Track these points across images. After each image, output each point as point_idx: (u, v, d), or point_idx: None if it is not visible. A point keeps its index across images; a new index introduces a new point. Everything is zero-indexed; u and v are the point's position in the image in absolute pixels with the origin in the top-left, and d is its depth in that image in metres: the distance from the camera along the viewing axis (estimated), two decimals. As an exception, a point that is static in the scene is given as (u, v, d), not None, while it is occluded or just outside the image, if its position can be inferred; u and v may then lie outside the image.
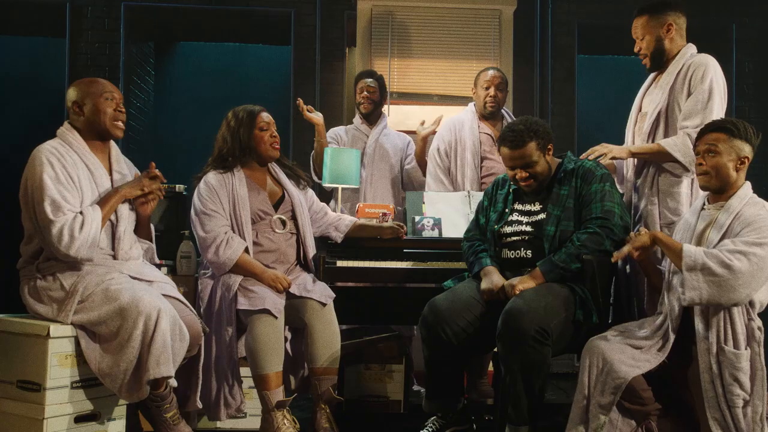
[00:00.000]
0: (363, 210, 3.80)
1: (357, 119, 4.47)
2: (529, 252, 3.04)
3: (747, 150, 2.75)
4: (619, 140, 3.55)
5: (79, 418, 2.68)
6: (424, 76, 5.06)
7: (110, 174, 2.96)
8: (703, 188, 2.83)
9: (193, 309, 2.99)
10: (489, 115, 4.19)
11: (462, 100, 5.03)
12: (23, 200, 2.76)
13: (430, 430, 3.05)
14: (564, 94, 5.31)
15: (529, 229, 3.06)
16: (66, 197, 2.71)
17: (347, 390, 3.52)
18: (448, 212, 3.82)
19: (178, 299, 2.94)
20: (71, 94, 2.89)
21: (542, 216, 3.05)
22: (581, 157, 3.28)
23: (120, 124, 2.94)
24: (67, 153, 2.80)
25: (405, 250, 3.58)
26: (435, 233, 3.73)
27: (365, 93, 4.37)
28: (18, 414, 2.65)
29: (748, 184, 2.79)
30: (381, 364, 3.53)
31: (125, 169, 3.03)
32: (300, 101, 4.20)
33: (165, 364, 2.62)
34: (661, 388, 2.72)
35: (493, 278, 2.98)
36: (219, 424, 3.32)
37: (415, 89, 5.06)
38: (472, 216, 3.77)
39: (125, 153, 5.26)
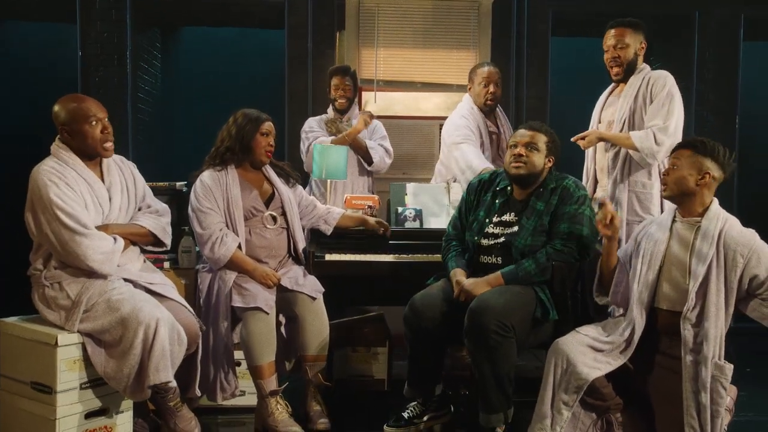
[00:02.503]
0: (350, 201, 3.70)
1: (330, 111, 4.31)
2: (499, 258, 2.98)
3: (711, 167, 2.64)
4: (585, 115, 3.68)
5: (89, 414, 2.65)
6: (408, 65, 4.91)
7: (104, 184, 2.83)
8: (665, 198, 2.76)
9: (191, 309, 2.92)
10: (488, 111, 4.02)
11: (443, 87, 4.95)
12: (30, 218, 2.65)
13: (410, 415, 3.02)
14: (537, 79, 5.16)
15: (502, 240, 2.98)
16: (78, 211, 2.62)
17: (336, 371, 3.47)
18: (429, 203, 3.73)
19: (177, 301, 2.87)
20: (58, 115, 2.74)
21: (516, 228, 2.96)
22: (573, 139, 3.35)
23: (108, 145, 2.78)
24: (65, 170, 2.68)
25: (389, 242, 3.49)
26: (416, 224, 3.64)
27: (340, 91, 4.21)
28: (33, 412, 2.62)
29: (715, 201, 2.69)
30: (367, 347, 3.49)
31: (116, 176, 2.88)
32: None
33: (164, 371, 2.57)
34: (622, 384, 2.68)
35: (455, 281, 2.94)
36: (220, 402, 3.28)
37: (400, 77, 4.91)
38: (450, 208, 3.70)
39: (135, 139, 5.19)
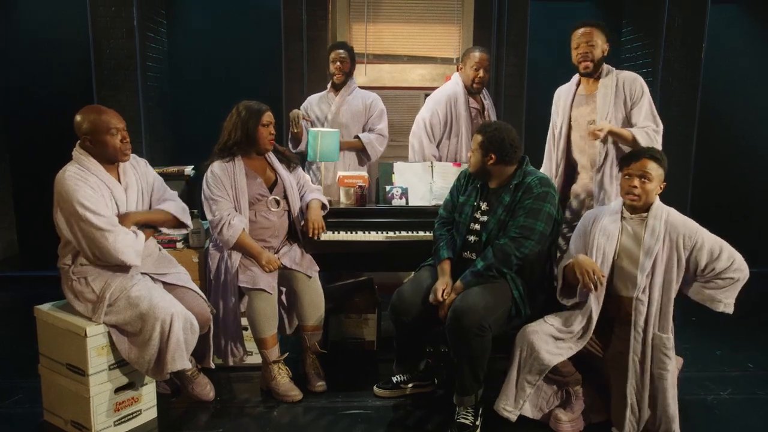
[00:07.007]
0: (343, 180, 3.75)
1: (328, 87, 4.26)
2: (474, 255, 3.01)
3: (664, 175, 2.74)
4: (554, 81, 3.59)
5: (118, 389, 2.80)
6: (395, 39, 4.84)
7: (121, 185, 2.87)
8: (629, 207, 2.78)
9: (203, 294, 3.03)
10: (475, 92, 4.02)
11: (427, 60, 4.89)
12: (60, 220, 2.70)
13: (397, 380, 3.19)
14: (516, 50, 5.09)
15: (478, 227, 3.02)
16: (104, 210, 2.67)
17: (332, 334, 3.62)
18: (414, 181, 3.76)
19: (190, 288, 2.97)
20: (80, 125, 2.73)
21: (487, 217, 2.98)
22: (590, 130, 3.19)
23: (127, 152, 2.82)
24: (87, 175, 2.71)
25: (378, 220, 3.57)
26: (402, 202, 3.69)
27: (338, 64, 4.15)
28: (69, 388, 2.77)
29: (657, 197, 2.78)
30: (358, 314, 3.62)
31: (131, 176, 2.91)
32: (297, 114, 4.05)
33: (179, 359, 2.70)
34: (582, 361, 2.82)
35: (439, 281, 2.97)
36: (230, 365, 3.41)
37: (388, 51, 4.86)
38: (434, 185, 3.74)
39: (145, 105, 5.17)
